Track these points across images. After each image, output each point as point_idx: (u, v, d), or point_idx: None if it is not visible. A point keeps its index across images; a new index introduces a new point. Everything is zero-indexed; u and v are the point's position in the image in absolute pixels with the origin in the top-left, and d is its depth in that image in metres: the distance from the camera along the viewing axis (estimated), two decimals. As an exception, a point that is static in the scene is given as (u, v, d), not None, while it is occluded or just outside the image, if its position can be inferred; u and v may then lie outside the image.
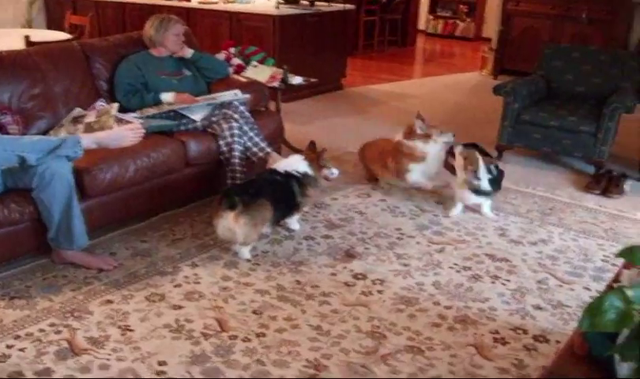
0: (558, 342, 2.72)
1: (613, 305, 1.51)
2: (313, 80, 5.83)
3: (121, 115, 3.72)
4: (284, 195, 3.56)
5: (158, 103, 4.08)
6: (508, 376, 2.51)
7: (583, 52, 5.71)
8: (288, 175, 3.64)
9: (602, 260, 3.54)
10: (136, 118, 3.85)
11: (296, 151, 4.91)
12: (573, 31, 8.48)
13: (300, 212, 3.77)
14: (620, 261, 2.38)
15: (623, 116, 4.91)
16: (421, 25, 13.41)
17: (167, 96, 4.09)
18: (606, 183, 4.63)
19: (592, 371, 1.78)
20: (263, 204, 3.36)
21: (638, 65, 5.51)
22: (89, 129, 3.56)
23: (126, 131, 3.29)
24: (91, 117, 3.70)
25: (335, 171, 3.83)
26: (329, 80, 7.62)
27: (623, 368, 1.58)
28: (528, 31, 8.93)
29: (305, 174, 3.69)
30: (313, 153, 3.77)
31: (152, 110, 4.02)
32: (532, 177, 4.95)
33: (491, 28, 10.60)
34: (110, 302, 2.92)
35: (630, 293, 1.51)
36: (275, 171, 3.69)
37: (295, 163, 3.74)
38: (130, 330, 2.70)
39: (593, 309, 1.53)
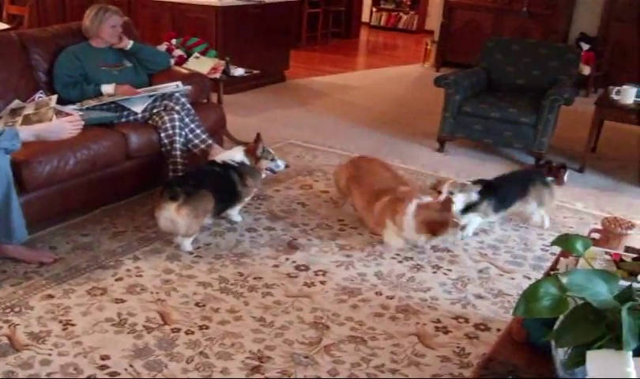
0: (499, 330, 2.81)
1: (548, 292, 1.58)
2: (255, 71, 5.85)
3: (60, 107, 3.65)
4: (224, 185, 3.58)
5: (98, 94, 4.03)
6: (450, 364, 2.58)
7: (523, 45, 5.87)
8: (226, 165, 3.68)
9: (541, 250, 3.66)
10: (75, 109, 3.79)
11: (238, 143, 4.92)
12: (514, 24, 8.73)
13: (242, 203, 3.78)
14: (558, 250, 2.48)
15: (563, 108, 5.06)
16: (365, 17, 13.54)
17: (107, 88, 4.04)
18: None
19: (531, 356, 1.86)
20: (204, 195, 3.38)
21: (577, 59, 5.72)
22: (28, 121, 3.49)
23: (65, 123, 3.24)
24: (29, 109, 3.62)
25: (280, 164, 3.87)
26: (272, 72, 7.62)
27: (560, 353, 1.64)
28: (470, 24, 9.14)
29: (242, 164, 3.72)
30: (254, 144, 3.81)
31: (92, 102, 3.96)
32: (474, 167, 5.08)
33: (434, 20, 10.78)
34: (51, 296, 2.88)
35: (564, 280, 1.56)
36: (214, 162, 3.73)
37: (234, 154, 3.78)
38: (72, 324, 2.68)
39: (529, 295, 1.59)
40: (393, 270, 3.34)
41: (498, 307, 3.03)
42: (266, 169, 3.85)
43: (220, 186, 3.54)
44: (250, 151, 3.77)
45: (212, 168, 3.67)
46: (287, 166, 4.02)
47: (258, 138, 3.80)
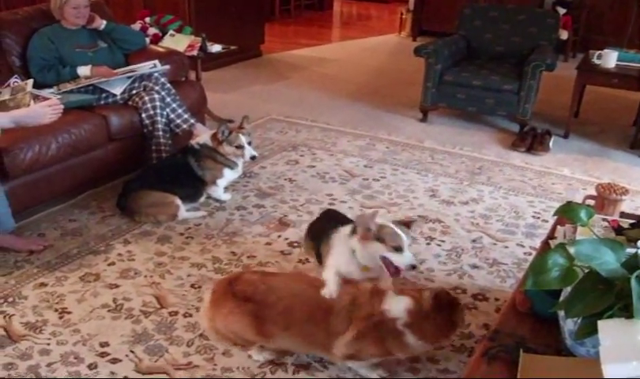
0: (497, 299, 2.83)
1: (557, 263, 1.56)
2: (232, 47, 5.76)
3: (37, 92, 3.57)
4: (182, 173, 3.62)
5: (75, 77, 3.94)
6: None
7: (501, 11, 5.84)
8: (185, 150, 3.71)
9: (533, 217, 3.69)
10: (53, 94, 3.71)
11: (221, 120, 4.87)
12: (489, -11, 8.68)
13: (214, 185, 3.70)
14: (552, 217, 2.47)
15: (544, 74, 5.06)
16: (337, -12, 13.41)
17: (84, 70, 3.95)
18: (531, 141, 4.82)
19: (536, 327, 1.86)
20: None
21: (556, 23, 5.72)
22: (5, 107, 3.40)
23: (45, 108, 3.16)
24: (5, 95, 3.52)
25: (246, 153, 3.67)
26: (248, 48, 7.53)
27: (569, 323, 1.65)
28: (445, -8, 9.07)
29: (203, 146, 3.70)
30: (239, 126, 3.78)
31: (69, 86, 3.88)
32: (459, 137, 5.09)
33: (408, -11, 10.70)
34: (44, 284, 2.84)
35: (572, 250, 1.55)
36: (181, 150, 3.76)
37: (205, 136, 3.77)
38: (68, 312, 2.65)
39: (537, 267, 1.58)
40: (386, 243, 3.33)
41: (494, 276, 3.05)
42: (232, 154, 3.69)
43: (178, 175, 3.60)
44: (215, 134, 3.72)
45: (170, 161, 3.75)
46: (252, 158, 3.74)
47: (242, 121, 3.78)
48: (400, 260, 2.31)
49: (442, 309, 2.09)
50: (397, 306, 2.12)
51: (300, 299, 2.22)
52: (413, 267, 2.37)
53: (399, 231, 2.34)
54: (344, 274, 2.38)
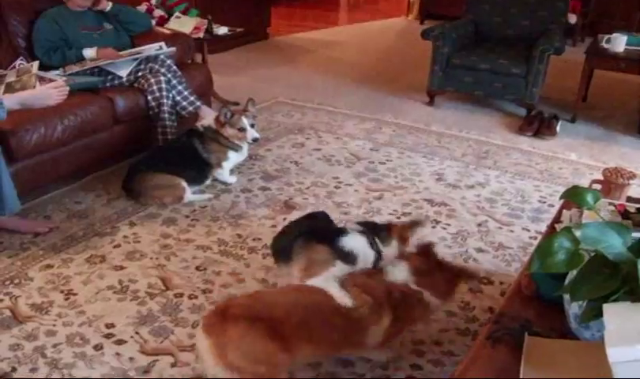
0: (502, 283, 2.83)
1: (562, 247, 1.55)
2: (239, 29, 5.73)
3: (43, 73, 3.57)
4: (188, 155, 3.62)
5: (81, 59, 3.94)
6: (456, 318, 2.58)
7: (510, -6, 5.76)
8: (190, 133, 3.70)
9: (539, 201, 3.67)
10: (59, 75, 3.71)
11: (227, 103, 4.86)
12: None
13: (219, 168, 3.70)
14: (558, 201, 2.46)
15: (552, 58, 5.02)
16: (343, -30, 13.31)
17: (89, 52, 3.95)
18: (538, 125, 4.79)
19: (541, 310, 1.85)
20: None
21: (565, 7, 5.66)
22: (10, 89, 3.40)
23: (50, 90, 3.15)
24: (11, 76, 3.53)
25: (248, 136, 3.66)
26: (254, 30, 7.50)
27: (574, 307, 1.64)
28: (452, -25, 8.98)
29: (207, 128, 3.69)
30: (244, 108, 3.77)
31: (75, 68, 3.87)
32: (465, 121, 5.06)
33: (416, -28, 10.61)
34: (50, 266, 2.85)
35: (578, 233, 1.53)
36: (186, 133, 3.74)
37: (210, 118, 3.75)
38: (74, 294, 2.66)
39: (543, 250, 1.57)
40: (392, 226, 3.33)
41: (499, 260, 3.04)
42: (234, 137, 3.68)
43: (183, 158, 3.61)
44: (218, 117, 3.70)
45: (175, 144, 3.75)
46: (254, 140, 3.71)
47: (248, 103, 3.77)
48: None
49: (440, 263, 2.15)
50: (400, 273, 2.13)
51: (311, 309, 2.01)
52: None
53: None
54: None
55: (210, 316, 1.94)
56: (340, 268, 2.37)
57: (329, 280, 2.15)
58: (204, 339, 1.87)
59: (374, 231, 2.53)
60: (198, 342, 1.93)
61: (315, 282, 2.16)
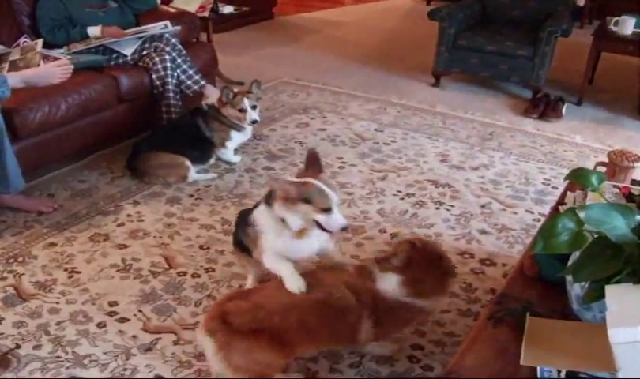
0: (504, 265, 2.82)
1: (566, 228, 1.55)
2: (244, 8, 5.71)
3: (47, 51, 3.56)
4: (192, 134, 3.63)
5: (85, 37, 3.92)
6: (458, 299, 2.58)
7: (518, -26, 5.70)
8: (194, 112, 3.71)
9: (543, 184, 3.65)
10: (63, 54, 3.69)
11: (231, 82, 4.85)
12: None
13: (223, 147, 3.71)
14: (562, 184, 2.45)
15: (559, 40, 4.96)
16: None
17: (94, 30, 3.92)
18: (544, 107, 4.75)
19: (543, 291, 1.85)
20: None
21: (573, -13, 5.59)
22: (14, 67, 3.39)
23: (55, 68, 3.15)
24: (15, 54, 3.52)
25: (247, 118, 3.63)
26: (260, 10, 7.44)
27: (576, 288, 1.64)
28: (459, -46, 8.88)
29: (211, 107, 3.69)
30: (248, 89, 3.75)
31: (79, 46, 3.86)
32: (471, 102, 5.03)
33: (421, -49, 10.50)
34: (53, 244, 2.87)
35: (582, 214, 1.53)
36: (190, 112, 3.75)
37: (214, 98, 3.75)
38: (77, 272, 2.67)
39: (547, 231, 1.56)
40: (396, 207, 3.32)
41: (502, 242, 3.03)
42: (234, 117, 3.66)
43: (188, 137, 3.62)
44: (220, 97, 3.69)
45: (179, 123, 3.76)
46: (253, 122, 3.66)
47: (252, 85, 3.75)
48: (331, 222, 2.06)
49: (428, 264, 2.05)
50: (390, 284, 2.03)
51: (306, 306, 2.00)
52: (344, 228, 2.12)
53: (326, 189, 2.06)
54: (283, 251, 2.14)
55: (210, 320, 1.94)
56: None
57: (269, 251, 2.14)
58: (210, 345, 1.91)
59: None
60: (203, 345, 1.97)
61: (260, 249, 2.19)
